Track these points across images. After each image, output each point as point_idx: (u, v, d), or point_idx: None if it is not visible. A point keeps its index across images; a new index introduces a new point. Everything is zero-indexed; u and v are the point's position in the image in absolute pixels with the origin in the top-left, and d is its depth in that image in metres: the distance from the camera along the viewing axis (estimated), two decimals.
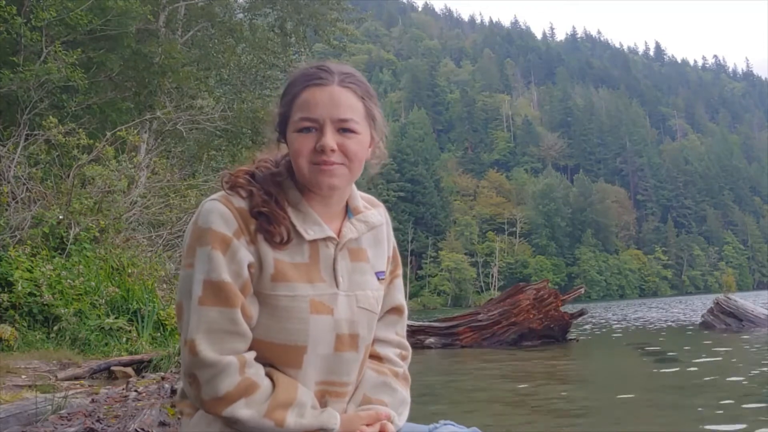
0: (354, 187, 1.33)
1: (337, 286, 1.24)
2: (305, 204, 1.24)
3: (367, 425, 1.24)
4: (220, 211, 1.19)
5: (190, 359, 1.15)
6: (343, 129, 1.21)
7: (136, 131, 11.36)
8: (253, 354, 1.19)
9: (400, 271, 1.43)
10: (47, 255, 7.45)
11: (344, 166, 1.21)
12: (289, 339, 1.20)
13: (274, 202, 1.21)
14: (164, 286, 8.87)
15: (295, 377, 1.20)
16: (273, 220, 1.20)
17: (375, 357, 1.36)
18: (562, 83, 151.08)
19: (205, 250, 1.17)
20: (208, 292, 1.16)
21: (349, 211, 1.31)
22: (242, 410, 1.14)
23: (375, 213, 1.36)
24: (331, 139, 1.19)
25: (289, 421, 1.16)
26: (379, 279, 1.33)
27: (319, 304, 1.21)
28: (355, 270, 1.28)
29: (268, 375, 1.19)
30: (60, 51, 10.89)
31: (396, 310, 1.41)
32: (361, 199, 1.36)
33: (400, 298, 1.41)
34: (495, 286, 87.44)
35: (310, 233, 1.23)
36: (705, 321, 12.31)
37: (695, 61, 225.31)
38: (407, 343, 1.43)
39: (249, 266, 1.18)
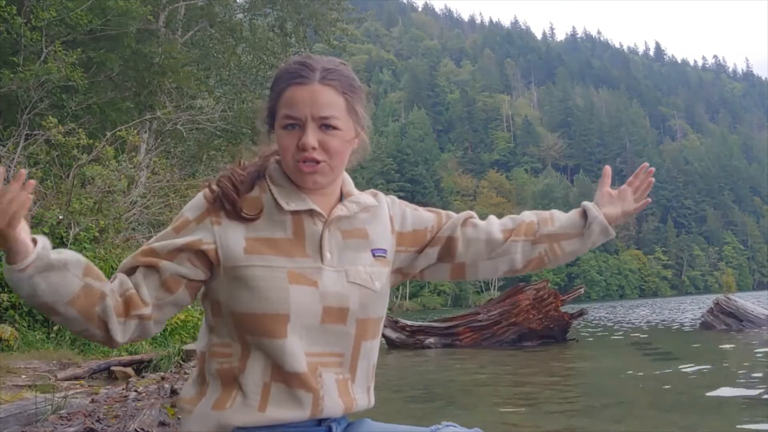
0: (346, 175, 1.38)
1: (322, 260, 1.26)
2: (292, 183, 1.29)
3: None
4: (195, 200, 1.29)
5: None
6: (325, 125, 1.24)
7: (136, 131, 11.37)
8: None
9: (439, 210, 1.52)
10: None
11: (325, 163, 1.25)
12: (269, 308, 1.21)
13: (237, 181, 1.29)
14: None
15: (281, 347, 1.21)
16: (229, 196, 1.26)
17: (505, 233, 1.48)
18: (562, 83, 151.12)
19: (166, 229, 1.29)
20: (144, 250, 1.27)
21: (342, 195, 1.36)
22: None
23: (368, 196, 1.40)
24: (311, 137, 1.23)
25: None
26: (375, 255, 1.34)
27: (299, 276, 1.23)
28: (347, 246, 1.30)
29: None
30: (60, 51, 10.89)
31: (468, 221, 1.50)
32: (360, 192, 1.39)
33: (452, 231, 1.46)
34: (495, 286, 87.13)
35: (291, 205, 1.27)
36: (705, 321, 12.30)
37: (695, 61, 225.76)
38: (494, 225, 1.51)
39: (197, 243, 1.24)
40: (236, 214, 1.26)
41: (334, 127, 1.25)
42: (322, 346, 1.25)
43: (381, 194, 1.44)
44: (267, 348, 1.22)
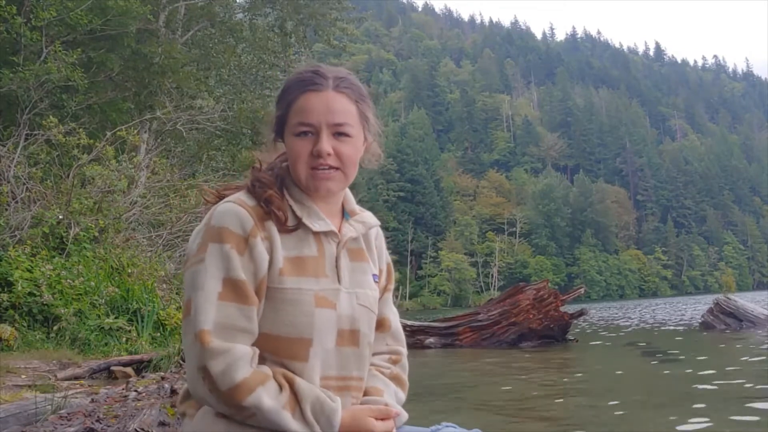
0: (349, 192, 1.38)
1: (339, 282, 1.28)
2: (308, 199, 1.29)
3: (376, 419, 1.25)
4: (235, 212, 1.22)
5: (200, 351, 1.14)
6: (338, 133, 1.26)
7: (136, 131, 11.36)
8: (257, 351, 1.20)
9: (392, 286, 1.47)
10: (47, 255, 7.45)
11: (339, 170, 1.27)
12: (295, 332, 1.22)
13: (275, 191, 1.26)
14: (164, 286, 8.87)
15: (301, 370, 1.22)
16: (276, 203, 1.25)
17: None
18: (562, 83, 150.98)
19: (222, 248, 1.19)
20: (228, 289, 1.17)
21: (345, 213, 1.37)
22: (265, 398, 1.14)
23: (370, 215, 1.41)
24: (326, 143, 1.24)
25: (301, 413, 1.17)
26: (375, 281, 1.37)
27: (323, 299, 1.24)
28: (355, 269, 1.33)
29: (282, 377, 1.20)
30: (60, 51, 10.89)
31: (381, 325, 1.42)
32: (361, 209, 1.41)
33: (386, 311, 1.44)
34: (495, 286, 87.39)
35: (315, 226, 1.27)
36: (705, 321, 12.30)
37: (695, 61, 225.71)
38: (399, 348, 1.46)
39: (265, 263, 1.21)
40: (283, 228, 1.25)
41: (347, 135, 1.27)
42: (339, 369, 1.26)
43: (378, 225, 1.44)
44: (285, 369, 1.21)
